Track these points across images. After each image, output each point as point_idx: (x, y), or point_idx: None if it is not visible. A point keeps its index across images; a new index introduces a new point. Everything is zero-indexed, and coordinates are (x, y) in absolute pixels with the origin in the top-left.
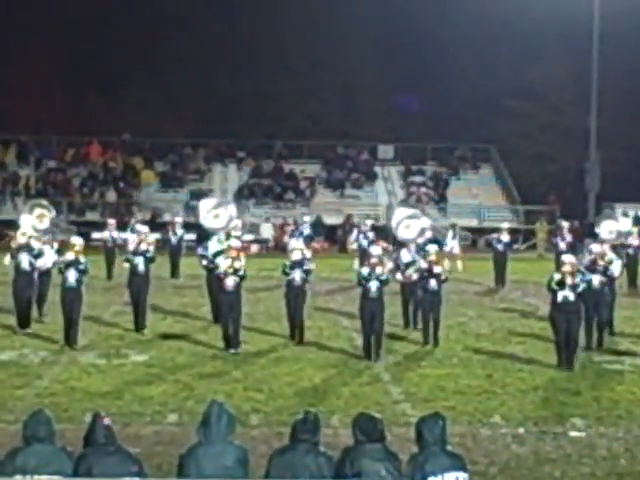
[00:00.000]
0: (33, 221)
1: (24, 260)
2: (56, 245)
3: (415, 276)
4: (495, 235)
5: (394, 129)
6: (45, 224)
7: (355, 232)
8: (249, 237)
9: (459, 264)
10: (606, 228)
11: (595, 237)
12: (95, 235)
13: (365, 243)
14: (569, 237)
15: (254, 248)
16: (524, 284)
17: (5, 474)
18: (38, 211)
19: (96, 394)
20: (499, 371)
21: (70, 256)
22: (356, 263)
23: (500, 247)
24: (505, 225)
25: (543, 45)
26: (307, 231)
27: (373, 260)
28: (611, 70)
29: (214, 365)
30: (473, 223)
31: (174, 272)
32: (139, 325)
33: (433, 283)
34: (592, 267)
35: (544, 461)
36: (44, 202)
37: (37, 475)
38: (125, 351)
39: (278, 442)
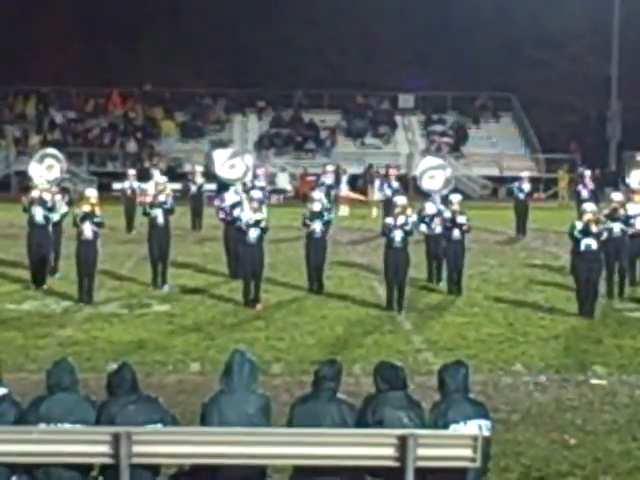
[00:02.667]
0: (42, 171)
1: (38, 213)
2: (67, 197)
3: (439, 228)
4: (516, 184)
5: (415, 78)
6: (55, 174)
7: (378, 182)
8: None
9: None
10: (636, 178)
11: (616, 185)
12: (116, 186)
13: (389, 193)
14: (591, 185)
15: (272, 199)
16: (545, 233)
17: (29, 422)
18: (48, 161)
19: (118, 343)
20: (520, 319)
21: (86, 209)
22: (374, 212)
23: (521, 196)
24: (525, 174)
25: None
26: (329, 181)
27: (397, 210)
28: (632, 18)
29: (236, 314)
30: (494, 172)
31: (195, 223)
32: (157, 282)
33: (457, 233)
34: (612, 216)
35: (566, 409)
36: (54, 152)
37: (61, 423)
38: (147, 301)
39: (300, 390)
